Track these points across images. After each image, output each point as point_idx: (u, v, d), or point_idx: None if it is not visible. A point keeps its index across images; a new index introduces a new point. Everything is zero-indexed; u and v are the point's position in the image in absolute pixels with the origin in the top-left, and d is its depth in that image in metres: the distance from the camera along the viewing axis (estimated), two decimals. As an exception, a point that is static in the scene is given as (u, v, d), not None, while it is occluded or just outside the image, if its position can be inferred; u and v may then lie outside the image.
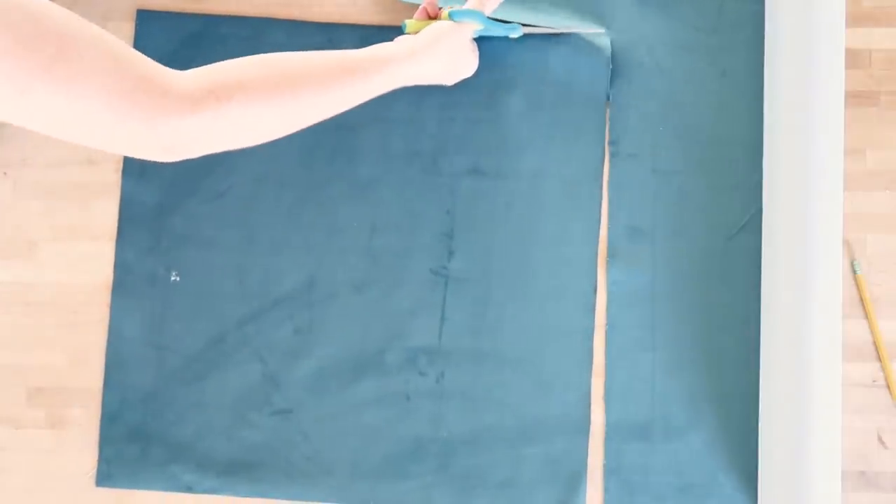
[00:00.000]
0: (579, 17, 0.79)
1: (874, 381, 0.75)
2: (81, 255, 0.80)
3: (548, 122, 0.78)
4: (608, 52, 0.78)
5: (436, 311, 0.77)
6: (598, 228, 0.78)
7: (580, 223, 0.78)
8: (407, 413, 0.77)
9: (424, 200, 0.78)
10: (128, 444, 0.77)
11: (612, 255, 0.77)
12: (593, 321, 0.77)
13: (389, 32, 0.79)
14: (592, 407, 0.76)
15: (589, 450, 0.76)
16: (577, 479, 0.75)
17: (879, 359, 0.75)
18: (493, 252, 0.78)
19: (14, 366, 0.79)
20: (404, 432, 0.76)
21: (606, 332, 0.77)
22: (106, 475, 0.77)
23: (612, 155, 0.78)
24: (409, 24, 0.70)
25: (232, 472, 0.77)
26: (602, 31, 0.78)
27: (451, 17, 0.68)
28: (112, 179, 0.80)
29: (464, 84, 0.75)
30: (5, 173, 0.81)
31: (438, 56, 0.66)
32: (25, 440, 0.79)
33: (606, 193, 0.78)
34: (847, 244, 0.76)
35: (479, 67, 0.75)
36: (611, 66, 0.78)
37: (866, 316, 0.76)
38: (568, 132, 0.78)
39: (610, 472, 0.75)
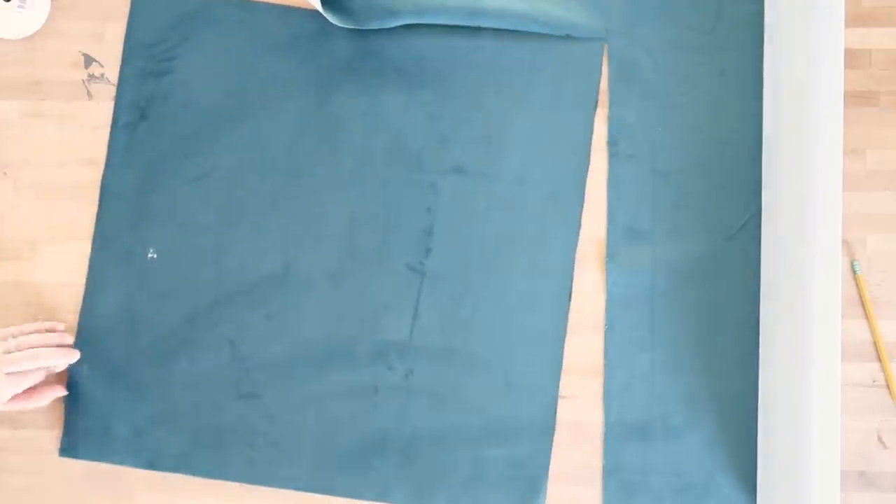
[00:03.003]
0: (578, 16, 0.79)
1: (874, 381, 0.75)
2: (81, 256, 0.80)
3: (534, 125, 0.78)
4: (600, 56, 0.78)
5: (409, 307, 0.77)
6: (578, 234, 0.77)
7: (559, 228, 0.77)
8: (373, 406, 0.76)
9: (406, 196, 0.78)
10: (93, 417, 0.77)
11: (611, 255, 0.77)
12: (566, 327, 0.77)
13: (389, 32, 0.80)
14: (591, 407, 0.76)
15: (587, 451, 0.76)
16: (538, 483, 0.75)
17: (879, 359, 0.75)
18: (470, 252, 0.77)
19: (14, 366, 0.79)
20: (369, 425, 0.76)
21: (605, 333, 0.77)
22: (69, 447, 0.77)
23: (612, 155, 0.78)
24: None
25: (195, 452, 0.76)
26: (600, 36, 0.78)
27: None
28: (112, 179, 0.80)
29: (452, 83, 0.76)
30: (5, 173, 0.81)
31: None
32: (25, 440, 0.79)
33: (605, 194, 0.78)
34: (847, 244, 0.76)
35: (468, 67, 0.76)
36: (601, 72, 0.78)
37: (866, 316, 0.76)
38: (554, 136, 0.78)
39: (609, 472, 0.75)
